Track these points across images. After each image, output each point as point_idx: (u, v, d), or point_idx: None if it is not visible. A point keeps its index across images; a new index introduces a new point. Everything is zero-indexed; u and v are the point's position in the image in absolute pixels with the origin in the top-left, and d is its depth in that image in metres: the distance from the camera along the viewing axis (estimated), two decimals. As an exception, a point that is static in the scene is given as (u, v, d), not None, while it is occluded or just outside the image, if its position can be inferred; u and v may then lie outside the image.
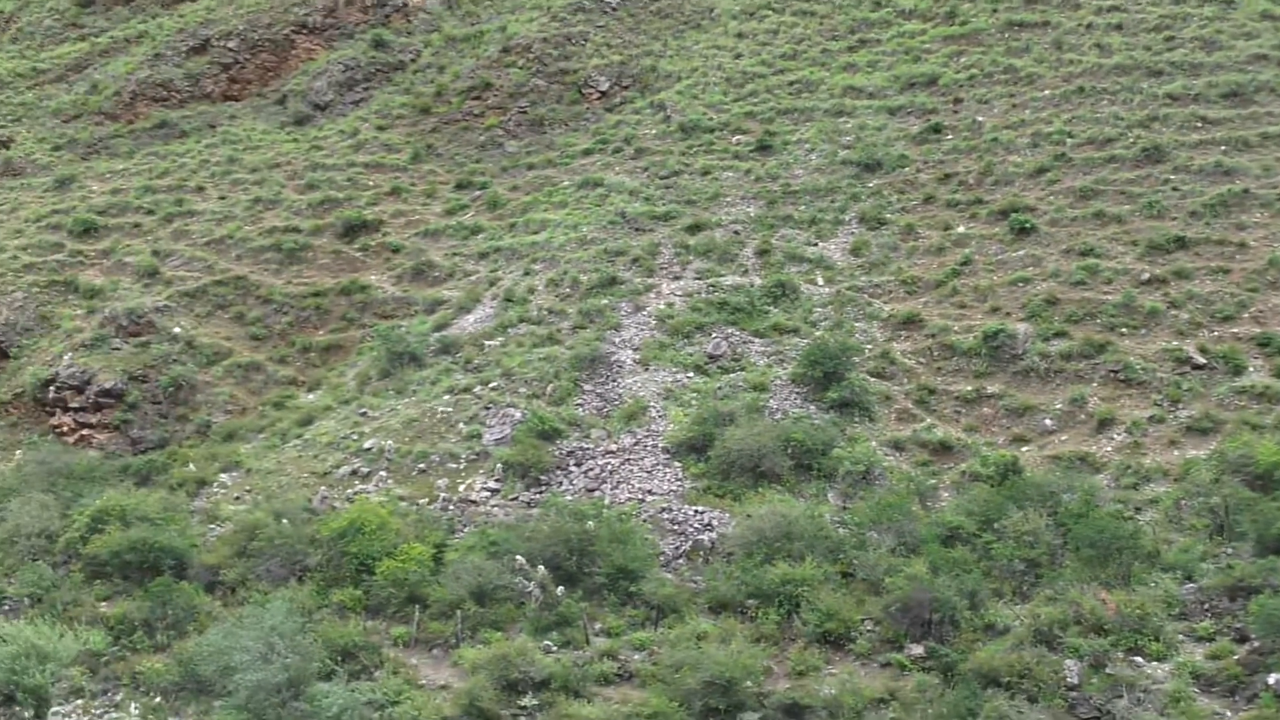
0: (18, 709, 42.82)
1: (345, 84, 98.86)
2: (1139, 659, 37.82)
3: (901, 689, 38.22)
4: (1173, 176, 67.67)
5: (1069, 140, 72.95)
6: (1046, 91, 78.13)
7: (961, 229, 68.65)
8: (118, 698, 43.38)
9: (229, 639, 41.69)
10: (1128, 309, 59.37)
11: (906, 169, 74.88)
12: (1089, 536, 43.37)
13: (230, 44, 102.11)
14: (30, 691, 42.50)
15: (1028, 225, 66.76)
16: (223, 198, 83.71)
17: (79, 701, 42.89)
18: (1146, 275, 61.36)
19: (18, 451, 63.56)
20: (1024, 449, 53.59)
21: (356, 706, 39.93)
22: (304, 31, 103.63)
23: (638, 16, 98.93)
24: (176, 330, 69.37)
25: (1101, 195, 67.86)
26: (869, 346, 61.21)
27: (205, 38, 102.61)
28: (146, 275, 75.11)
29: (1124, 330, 58.51)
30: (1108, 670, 37.15)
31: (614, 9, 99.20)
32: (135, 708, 42.50)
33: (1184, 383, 54.80)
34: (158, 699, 42.72)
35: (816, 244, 69.54)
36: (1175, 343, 57.06)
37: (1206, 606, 40.73)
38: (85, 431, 64.27)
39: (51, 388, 65.87)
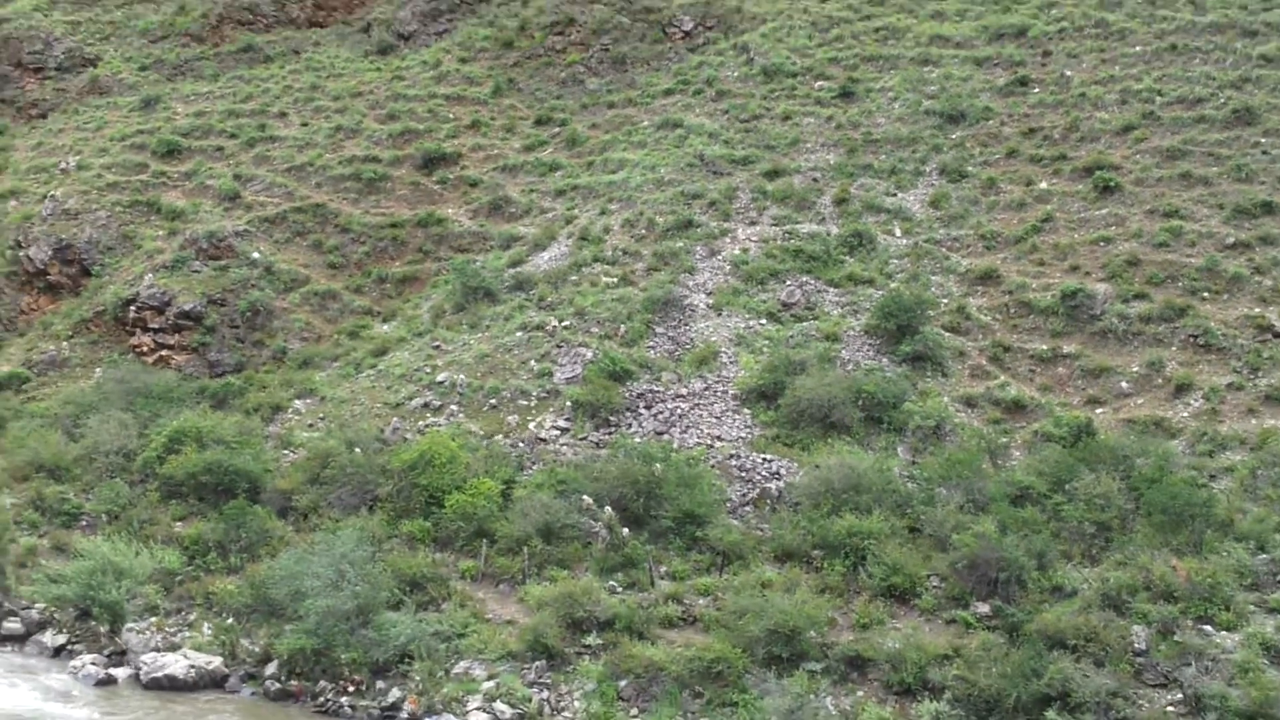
0: (94, 623, 44.00)
1: (429, 14, 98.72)
2: (1208, 628, 37.58)
3: (965, 646, 38.22)
4: (1263, 140, 66.32)
5: (1158, 98, 71.64)
6: (1137, 48, 76.67)
7: (1044, 185, 67.78)
8: (191, 617, 44.36)
9: (300, 564, 42.49)
10: (1210, 273, 58.51)
11: (990, 121, 73.91)
12: (1162, 502, 43.06)
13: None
14: (106, 607, 43.68)
15: (1112, 184, 65.78)
16: (305, 124, 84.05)
17: (153, 619, 43.93)
18: (1231, 239, 60.37)
19: (98, 369, 64.55)
20: (1098, 411, 53.11)
21: (423, 636, 40.64)
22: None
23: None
24: (255, 255, 70.01)
25: (1189, 156, 66.69)
26: (944, 300, 60.76)
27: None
28: (227, 199, 75.71)
29: (1205, 294, 57.69)
30: (1176, 638, 36.97)
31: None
32: (208, 627, 43.46)
33: (1265, 350, 53.96)
34: (230, 619, 43.63)
35: (895, 194, 68.94)
36: (1257, 309, 56.15)
37: (1279, 578, 40.33)
38: (164, 352, 65.12)
39: (132, 307, 66.72)
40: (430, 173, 78.56)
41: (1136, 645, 36.81)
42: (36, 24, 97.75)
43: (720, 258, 64.43)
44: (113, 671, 41.50)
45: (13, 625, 44.70)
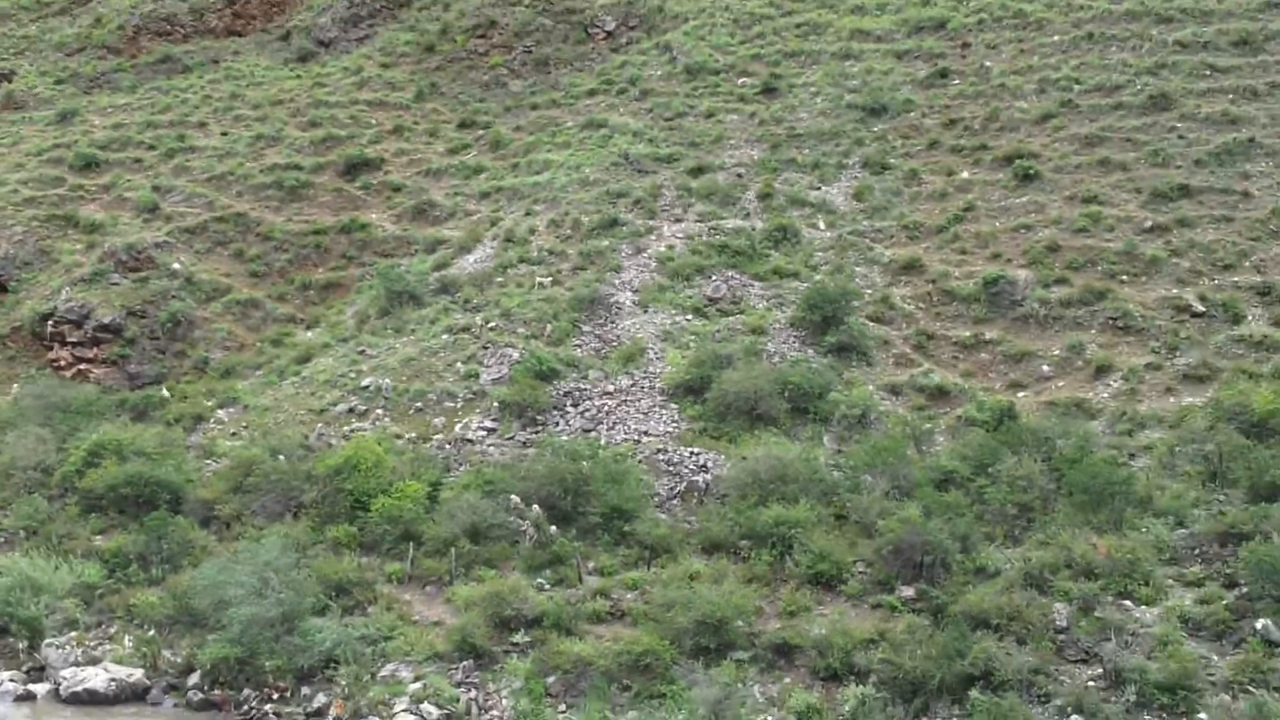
0: (12, 640, 43.30)
1: (350, 20, 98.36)
2: (1128, 603, 37.80)
3: (891, 630, 38.26)
4: (1179, 124, 67.18)
5: (1076, 87, 72.43)
6: (1055, 37, 77.51)
7: (965, 175, 68.31)
8: (112, 630, 43.70)
9: (224, 573, 41.96)
10: (1129, 256, 59.11)
11: (912, 114, 74.42)
12: (1082, 482, 43.37)
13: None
14: (25, 623, 43.03)
15: (1032, 172, 66.37)
16: (225, 134, 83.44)
17: (73, 633, 43.24)
18: (1149, 223, 61.03)
19: (15, 385, 63.55)
20: (1020, 395, 53.47)
21: (349, 641, 40.26)
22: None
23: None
24: (176, 266, 69.25)
25: (1106, 143, 67.42)
26: (869, 291, 60.98)
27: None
28: (147, 210, 74.92)
29: (1124, 278, 58.26)
30: (1097, 614, 37.16)
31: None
32: (129, 640, 42.81)
33: (1182, 330, 54.59)
34: (151, 631, 43.00)
35: (819, 188, 69.22)
36: (1175, 290, 56.82)
37: (1197, 552, 40.65)
38: (83, 366, 64.25)
39: (50, 322, 65.82)
40: (353, 179, 78.14)
41: (1058, 622, 36.97)
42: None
43: (646, 255, 64.38)
44: (32, 687, 40.82)
45: (-73, 645, 43.95)
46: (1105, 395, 51.99)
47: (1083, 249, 60.42)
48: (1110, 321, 56.08)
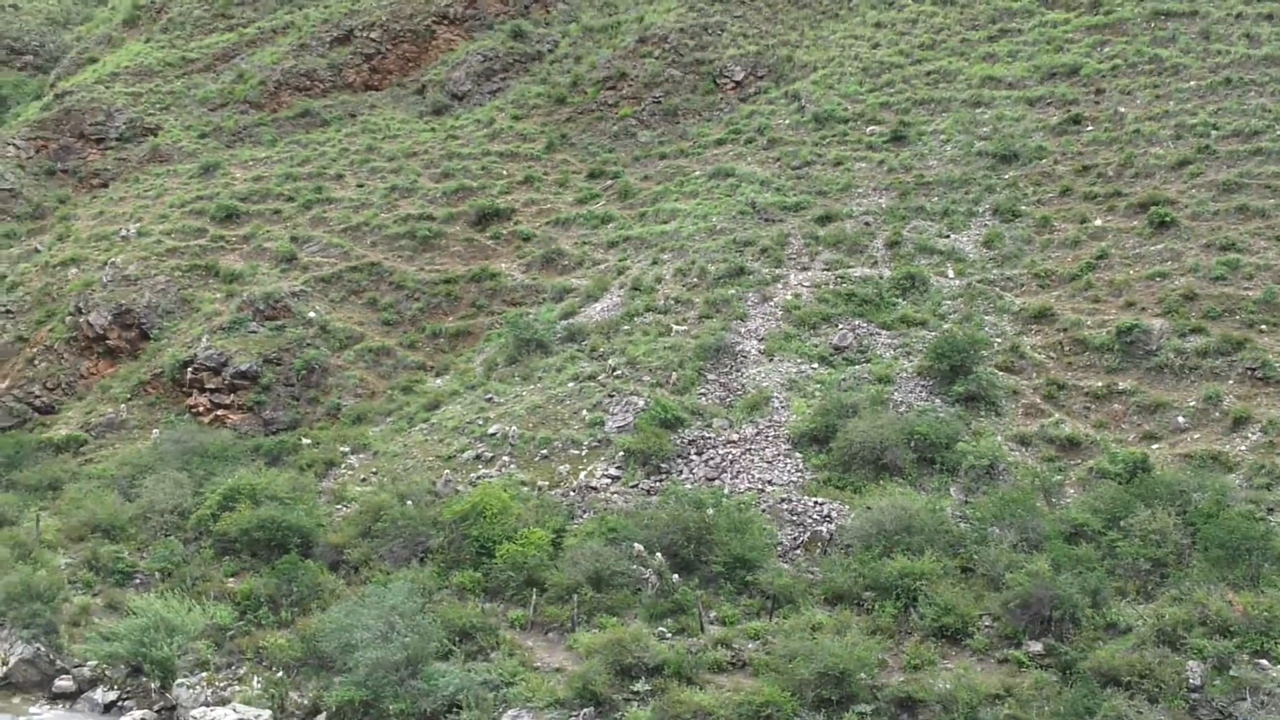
0: (145, 679, 44.24)
1: (483, 74, 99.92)
2: (1264, 662, 36.62)
3: (1018, 685, 37.49)
4: (1320, 170, 65.54)
5: (1213, 132, 70.90)
6: (1192, 83, 76.03)
7: (1098, 222, 67.16)
8: (241, 671, 44.41)
9: (351, 617, 42.48)
10: (1268, 305, 57.52)
11: (1044, 160, 73.44)
12: (1218, 537, 42.17)
13: (373, 34, 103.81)
14: (157, 663, 43.90)
15: (1167, 219, 65.02)
16: (360, 185, 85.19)
17: (204, 674, 44.02)
18: (1290, 271, 59.50)
19: (155, 430, 65.49)
20: (1154, 447, 52.23)
21: (472, 686, 40.43)
22: (445, 22, 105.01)
23: (774, 6, 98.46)
24: (311, 314, 70.79)
25: (1245, 189, 65.85)
26: (998, 340, 60.17)
27: (349, 28, 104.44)
28: (284, 260, 76.73)
29: (1263, 327, 56.67)
30: (1232, 673, 36.06)
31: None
32: (258, 681, 43.46)
33: (1325, 383, 53.03)
34: (280, 673, 43.66)
35: (948, 236, 68.57)
36: (1316, 340, 55.28)
37: (1338, 611, 39.30)
38: (220, 411, 65.95)
39: (189, 369, 67.71)
40: (484, 229, 79.23)
41: (1191, 681, 35.95)
42: (98, 96, 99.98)
43: (772, 304, 64.26)
44: (163, 727, 41.73)
45: (64, 683, 45.08)
46: (1243, 448, 50.55)
47: (1220, 297, 59.00)
48: (1249, 372, 54.60)
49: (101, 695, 44.30)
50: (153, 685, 44.06)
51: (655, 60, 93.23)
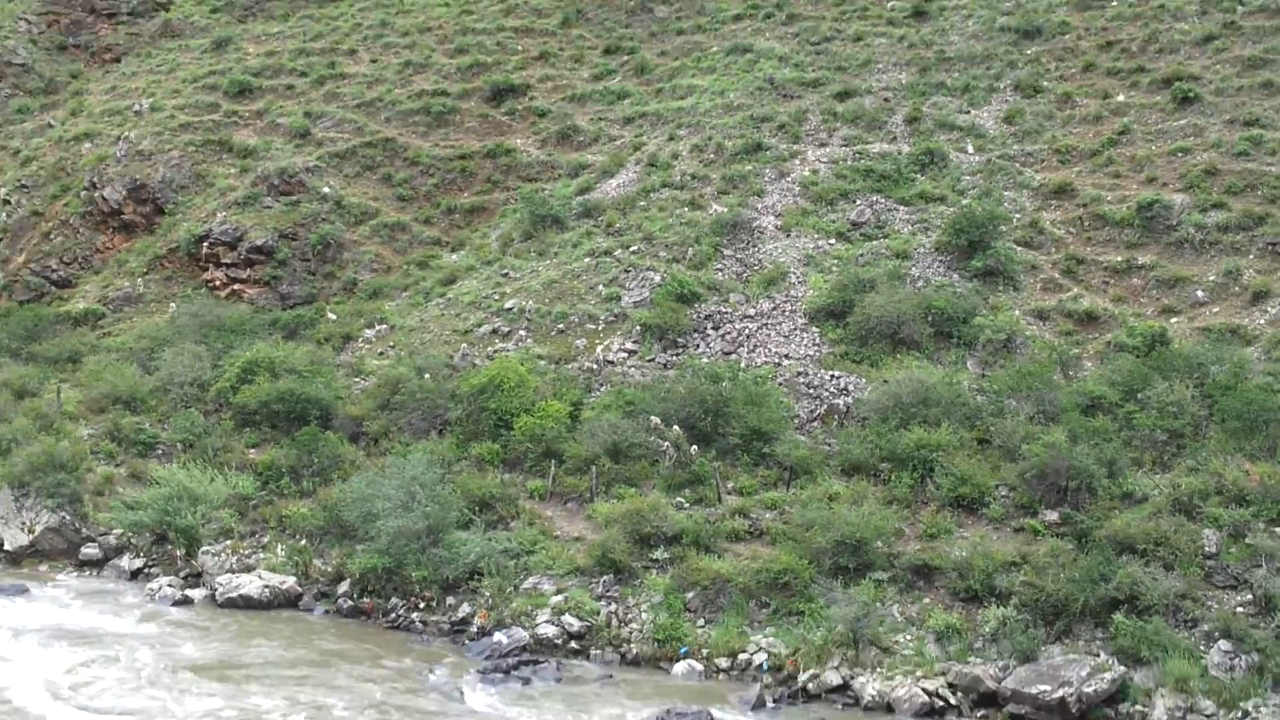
0: (170, 548, 44.84)
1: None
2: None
3: (1033, 553, 37.76)
4: (1347, 45, 64.62)
5: (1239, 8, 69.89)
6: (1217, -45, 74.80)
7: (1121, 98, 66.44)
8: (264, 539, 44.92)
9: (371, 487, 42.85)
10: (1291, 180, 57.13)
11: (1067, 36, 72.54)
12: (1235, 408, 42.22)
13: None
14: (182, 531, 44.47)
15: (1191, 94, 64.32)
16: (374, 61, 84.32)
17: (228, 542, 44.53)
18: (1313, 146, 58.91)
19: (172, 304, 65.55)
20: (1173, 320, 52.13)
21: (493, 554, 40.92)
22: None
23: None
24: (326, 190, 70.51)
25: (1270, 65, 64.99)
26: (1017, 215, 59.83)
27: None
28: (298, 136, 76.21)
29: (1286, 201, 56.33)
30: (1247, 540, 36.29)
31: None
32: (281, 549, 44.00)
33: (1346, 257, 52.75)
34: (303, 541, 44.16)
35: (969, 111, 67.89)
36: (1338, 214, 54.85)
37: (1355, 481, 39.43)
38: (236, 286, 65.95)
39: (205, 243, 67.62)
40: (499, 104, 78.49)
41: (1207, 548, 36.24)
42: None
43: (789, 180, 63.86)
44: (189, 593, 42.23)
45: (91, 551, 45.62)
46: (1262, 321, 50.42)
47: (1242, 173, 58.49)
48: (1269, 247, 54.26)
49: (128, 563, 44.87)
50: (178, 553, 44.61)
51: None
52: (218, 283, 66.25)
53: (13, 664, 34.72)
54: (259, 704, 32.41)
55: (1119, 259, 56.26)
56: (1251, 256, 54.18)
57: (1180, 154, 61.03)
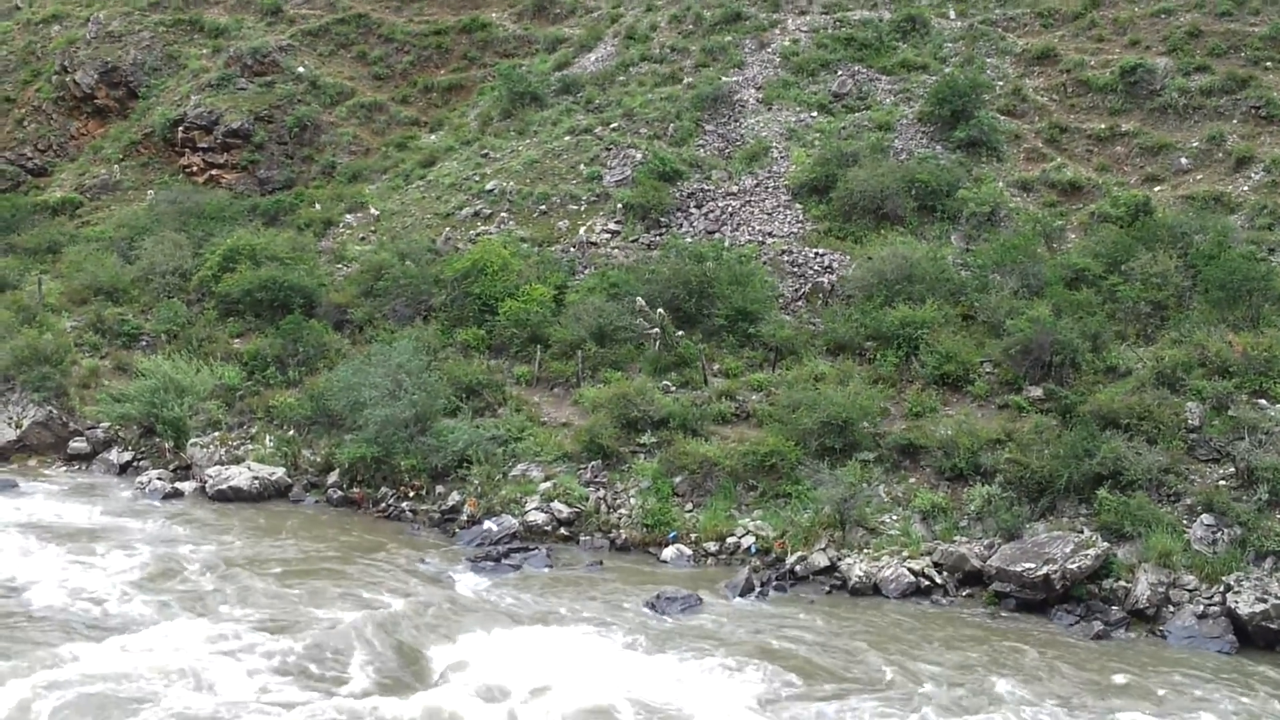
0: (158, 440, 44.96)
1: None
2: (1263, 401, 37.10)
3: (1018, 430, 38.07)
4: (1335, -101, 63.47)
5: None
6: None
7: (1104, -43, 65.48)
8: (252, 430, 45.10)
9: (358, 375, 42.90)
10: (1274, 41, 56.38)
11: (1049, -106, 71.19)
12: (1219, 278, 42.24)
13: None
14: (169, 423, 44.57)
15: (1175, -47, 63.39)
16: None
17: (216, 433, 44.68)
18: (1298, 5, 58.23)
19: (149, 191, 64.99)
20: (1157, 189, 51.97)
21: (481, 441, 41.15)
22: None
23: None
24: (300, 69, 69.50)
25: (1255, -80, 64.03)
26: (1000, 83, 59.24)
27: None
28: (269, 13, 74.90)
29: (1269, 64, 55.67)
30: (1230, 412, 36.57)
31: None
32: (270, 440, 44.18)
33: (1330, 118, 52.42)
34: (290, 432, 44.35)
35: (949, -26, 66.87)
36: (1321, 73, 54.44)
37: (1337, 349, 39.66)
38: (214, 171, 65.31)
39: (180, 128, 66.77)
40: (473, -25, 77.04)
41: (1190, 422, 36.52)
42: None
43: (770, 50, 63.05)
44: (179, 485, 42.48)
45: (79, 444, 45.78)
46: (1245, 188, 50.29)
47: (1225, 34, 57.85)
48: (1252, 111, 53.89)
49: (117, 456, 45.08)
50: (166, 445, 44.80)
51: None
52: (195, 168, 65.57)
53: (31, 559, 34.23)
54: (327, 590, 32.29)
55: (1102, 126, 55.87)
56: (1235, 121, 53.85)
57: (1163, 15, 60.32)
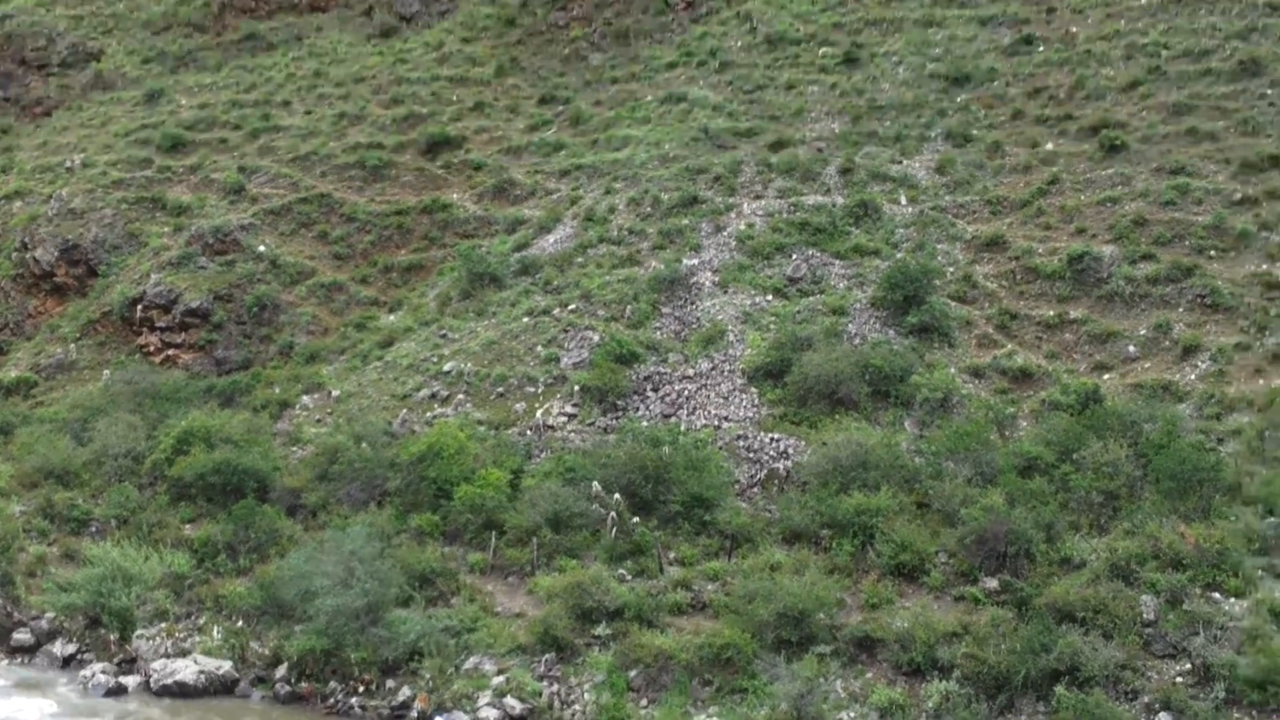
0: (103, 631, 44.15)
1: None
2: (1217, 595, 37.32)
3: (974, 623, 38.02)
4: (1269, 91, 65.42)
5: (1164, 52, 70.84)
6: (1143, 1, 75.80)
7: (1050, 146, 67.10)
8: (201, 620, 44.43)
9: (309, 563, 42.57)
10: (1218, 230, 57.75)
11: (995, 83, 73.19)
12: (1169, 468, 42.66)
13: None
14: (116, 614, 43.92)
15: (1118, 142, 65.02)
16: (308, 113, 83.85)
17: (163, 624, 44.01)
18: (1239, 195, 59.54)
19: (105, 371, 64.79)
20: (1106, 376, 52.60)
21: (433, 633, 40.73)
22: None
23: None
24: (261, 249, 69.99)
25: (1195, 111, 65.87)
26: (951, 269, 60.24)
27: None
28: (232, 192, 75.60)
29: (1213, 253, 56.93)
30: (1185, 606, 36.71)
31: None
32: (218, 631, 43.51)
33: (1272, 308, 53.13)
34: (239, 622, 43.67)
35: (901, 161, 68.33)
36: (1265, 266, 55.45)
37: (1288, 543, 39.97)
38: (171, 351, 65.20)
39: (139, 306, 66.89)
40: (434, 157, 78.26)
41: (1145, 615, 36.58)
42: (39, 19, 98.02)
43: (726, 233, 64.00)
44: (123, 680, 41.59)
45: (22, 636, 44.78)
46: (1193, 377, 50.99)
47: (1170, 222, 59.19)
48: (1198, 299, 54.90)
49: (60, 648, 44.08)
50: (112, 637, 43.87)
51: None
52: (152, 348, 65.50)
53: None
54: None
55: (1051, 313, 56.73)
56: (1181, 309, 54.79)
57: (1109, 203, 61.67)
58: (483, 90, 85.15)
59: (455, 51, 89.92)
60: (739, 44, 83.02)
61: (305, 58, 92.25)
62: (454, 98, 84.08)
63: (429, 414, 55.60)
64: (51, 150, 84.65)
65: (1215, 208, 59.10)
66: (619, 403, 53.87)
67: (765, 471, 49.52)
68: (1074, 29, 75.55)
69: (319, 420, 57.62)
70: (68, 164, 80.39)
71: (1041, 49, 75.02)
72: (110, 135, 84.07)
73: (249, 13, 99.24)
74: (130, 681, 41.59)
